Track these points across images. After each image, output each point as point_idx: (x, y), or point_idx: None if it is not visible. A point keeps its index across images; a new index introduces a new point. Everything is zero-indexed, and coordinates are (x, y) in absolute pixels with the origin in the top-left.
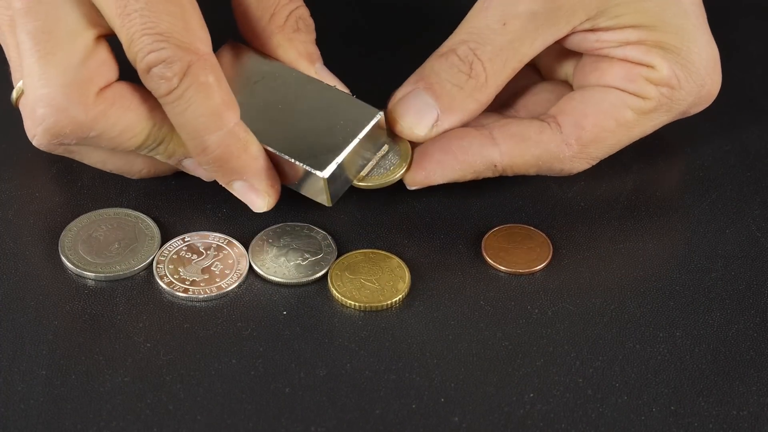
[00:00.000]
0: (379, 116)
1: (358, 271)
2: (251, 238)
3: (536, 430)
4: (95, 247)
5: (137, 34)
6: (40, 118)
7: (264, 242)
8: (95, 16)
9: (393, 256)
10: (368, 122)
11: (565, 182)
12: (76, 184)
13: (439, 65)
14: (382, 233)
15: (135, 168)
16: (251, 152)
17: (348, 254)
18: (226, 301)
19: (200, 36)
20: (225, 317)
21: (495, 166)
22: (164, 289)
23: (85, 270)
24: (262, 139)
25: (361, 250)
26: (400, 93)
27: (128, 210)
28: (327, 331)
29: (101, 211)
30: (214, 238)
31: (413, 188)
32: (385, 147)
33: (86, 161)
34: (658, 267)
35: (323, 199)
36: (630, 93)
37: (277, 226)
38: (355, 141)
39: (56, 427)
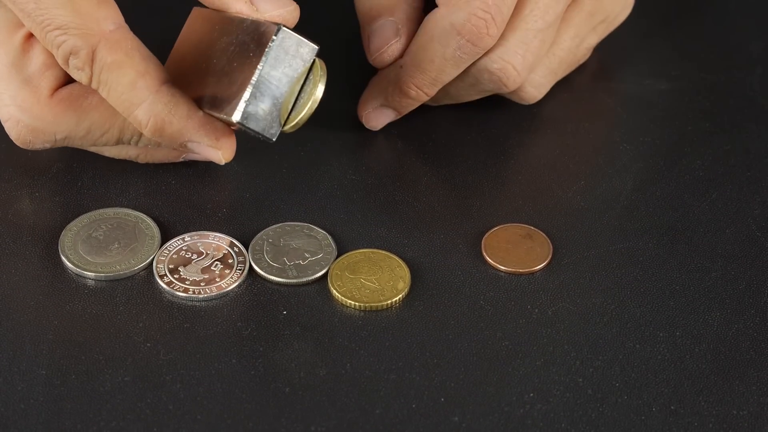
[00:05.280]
0: (282, 33)
1: (358, 271)
2: (251, 238)
3: (536, 430)
4: (95, 247)
5: (42, 33)
6: (7, 131)
7: (264, 242)
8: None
9: (393, 256)
10: (270, 41)
11: (565, 182)
12: (76, 184)
13: None
14: (382, 233)
15: (131, 154)
16: (181, 113)
17: (348, 254)
18: (226, 301)
19: (97, 16)
20: (225, 317)
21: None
22: (164, 289)
23: (85, 270)
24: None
25: (361, 250)
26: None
27: (128, 210)
28: (327, 331)
29: (101, 211)
30: (214, 238)
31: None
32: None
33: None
34: (658, 267)
35: (267, 134)
36: None
37: (277, 226)
38: (260, 67)
39: (56, 427)
